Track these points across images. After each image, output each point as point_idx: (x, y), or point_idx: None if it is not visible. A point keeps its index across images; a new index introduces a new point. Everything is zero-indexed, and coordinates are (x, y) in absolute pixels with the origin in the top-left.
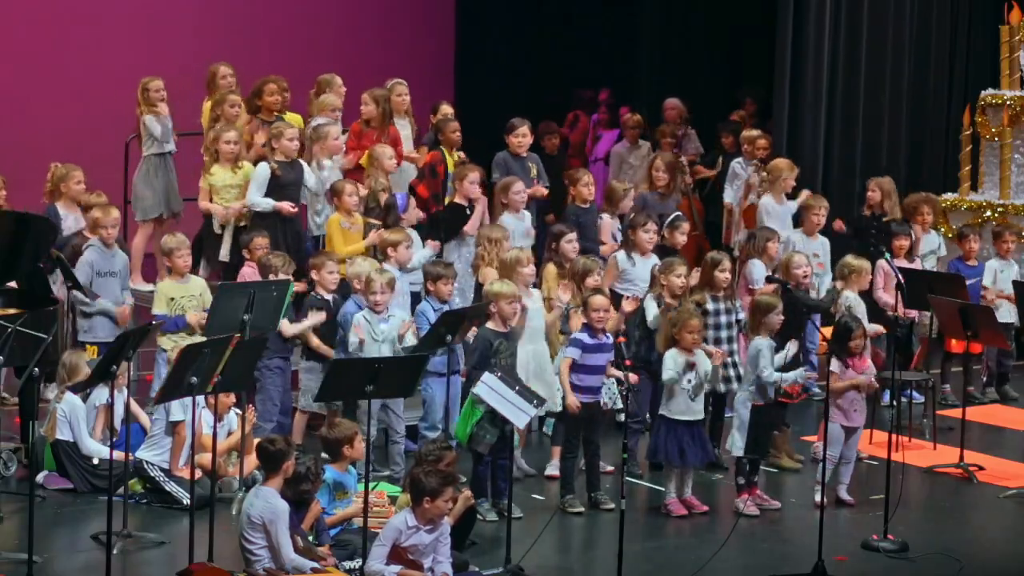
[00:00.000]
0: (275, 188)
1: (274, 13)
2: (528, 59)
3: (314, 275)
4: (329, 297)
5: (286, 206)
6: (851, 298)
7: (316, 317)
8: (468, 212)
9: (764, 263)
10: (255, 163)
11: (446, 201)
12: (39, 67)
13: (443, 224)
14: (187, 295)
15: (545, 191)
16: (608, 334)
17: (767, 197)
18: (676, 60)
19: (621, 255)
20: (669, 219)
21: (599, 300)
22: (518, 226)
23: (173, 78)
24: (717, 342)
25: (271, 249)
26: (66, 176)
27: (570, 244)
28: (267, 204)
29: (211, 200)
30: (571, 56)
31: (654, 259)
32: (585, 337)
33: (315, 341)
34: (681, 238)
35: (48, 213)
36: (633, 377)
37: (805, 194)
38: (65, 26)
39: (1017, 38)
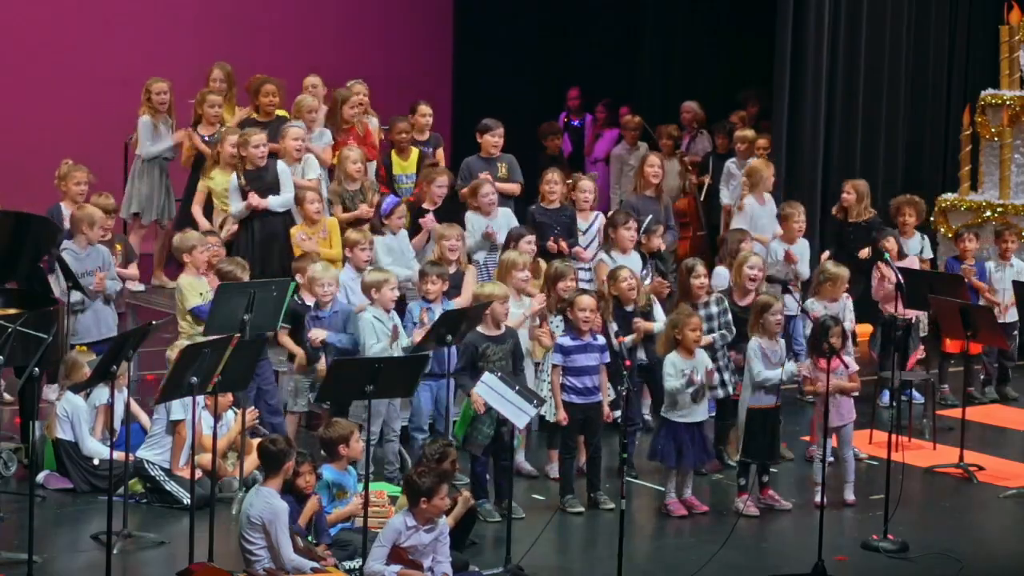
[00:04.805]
0: (246, 196)
1: (274, 13)
2: (528, 59)
3: (299, 278)
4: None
5: (254, 199)
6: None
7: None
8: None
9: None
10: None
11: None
12: (39, 67)
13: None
14: (205, 291)
15: (517, 188)
16: (596, 334)
17: (750, 198)
18: (676, 60)
19: (602, 254)
20: (644, 224)
21: (585, 300)
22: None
23: (173, 78)
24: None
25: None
26: (66, 176)
27: (529, 245)
28: (239, 207)
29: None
30: (571, 56)
31: (635, 257)
32: (566, 340)
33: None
34: (657, 242)
35: (51, 211)
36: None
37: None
38: (65, 26)
39: (1017, 38)
